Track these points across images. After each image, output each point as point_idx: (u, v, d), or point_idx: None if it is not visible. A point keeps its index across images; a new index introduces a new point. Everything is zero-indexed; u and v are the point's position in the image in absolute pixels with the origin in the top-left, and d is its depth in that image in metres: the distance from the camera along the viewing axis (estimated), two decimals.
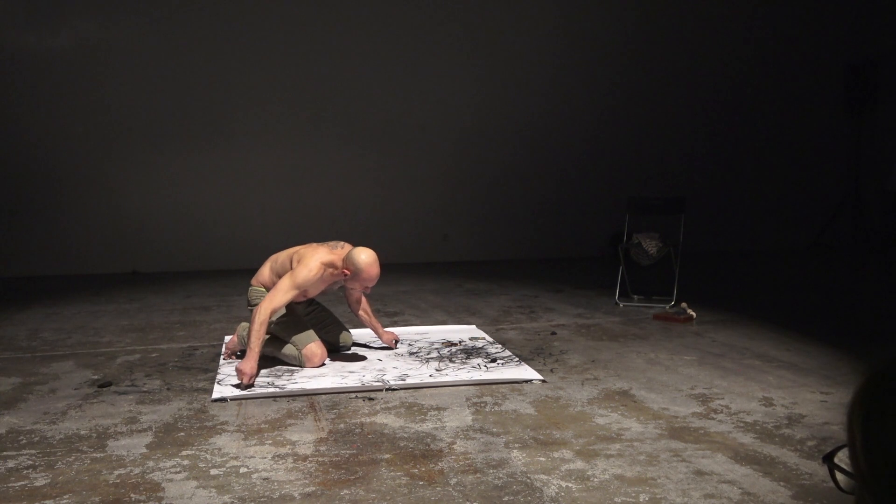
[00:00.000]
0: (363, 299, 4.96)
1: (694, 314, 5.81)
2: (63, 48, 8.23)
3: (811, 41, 9.85)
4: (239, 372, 4.11)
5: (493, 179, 9.29)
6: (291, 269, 4.42)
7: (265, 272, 4.70)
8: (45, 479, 2.97)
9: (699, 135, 9.76)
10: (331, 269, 4.40)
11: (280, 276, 4.47)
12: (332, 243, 4.55)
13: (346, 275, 4.36)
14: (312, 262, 4.36)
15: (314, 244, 4.57)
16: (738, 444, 3.26)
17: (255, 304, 4.54)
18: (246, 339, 4.53)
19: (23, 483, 2.94)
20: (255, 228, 8.58)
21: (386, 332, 5.07)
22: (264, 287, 4.64)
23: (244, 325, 4.74)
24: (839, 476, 0.87)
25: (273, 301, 4.30)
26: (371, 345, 5.13)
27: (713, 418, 3.61)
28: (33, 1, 8.15)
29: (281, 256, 4.67)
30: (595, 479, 2.91)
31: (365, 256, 4.31)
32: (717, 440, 3.32)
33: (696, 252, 7.93)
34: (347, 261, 4.33)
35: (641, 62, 9.51)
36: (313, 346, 4.54)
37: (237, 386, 4.13)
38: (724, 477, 2.92)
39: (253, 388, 4.08)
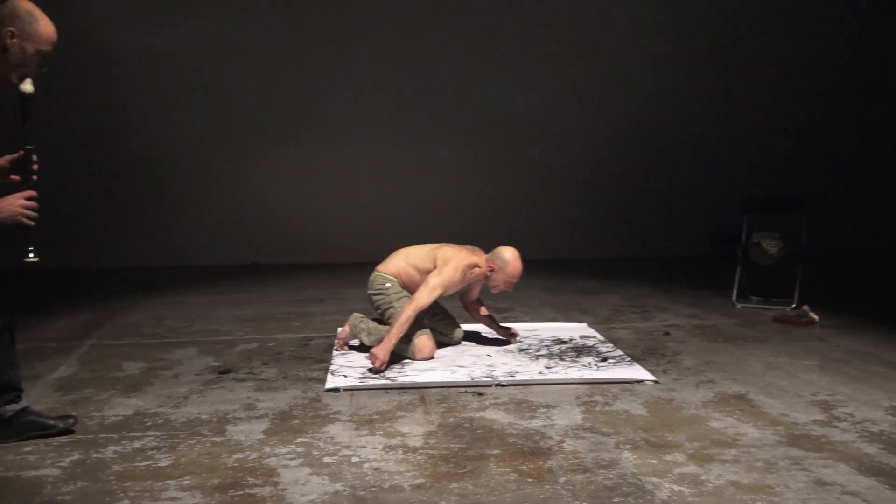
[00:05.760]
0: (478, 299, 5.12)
1: (816, 318, 5.59)
2: (187, 48, 8.52)
3: None
4: (373, 355, 4.30)
5: (596, 176, 9.13)
6: (435, 267, 4.62)
7: (397, 262, 4.82)
8: (169, 459, 3.11)
9: (819, 128, 9.33)
10: (473, 269, 4.65)
11: (418, 269, 4.70)
12: (468, 247, 4.76)
13: (491, 270, 4.64)
14: (458, 262, 4.61)
15: (453, 245, 4.77)
16: (862, 455, 3.12)
17: (379, 289, 4.75)
18: (389, 323, 4.61)
19: (148, 463, 3.08)
20: (366, 223, 8.71)
21: (503, 326, 5.12)
22: (394, 276, 4.76)
23: (356, 315, 4.83)
24: None
25: (421, 300, 4.48)
26: (484, 335, 5.18)
27: (836, 426, 3.46)
28: (154, 3, 8.50)
29: (418, 251, 4.82)
30: (709, 485, 2.83)
31: (510, 253, 4.65)
32: (839, 449, 3.18)
33: (817, 253, 7.60)
34: (494, 256, 4.66)
35: (749, 51, 9.14)
36: (425, 338, 4.61)
37: (370, 369, 4.32)
38: (846, 488, 2.80)
39: (364, 380, 4.17)
